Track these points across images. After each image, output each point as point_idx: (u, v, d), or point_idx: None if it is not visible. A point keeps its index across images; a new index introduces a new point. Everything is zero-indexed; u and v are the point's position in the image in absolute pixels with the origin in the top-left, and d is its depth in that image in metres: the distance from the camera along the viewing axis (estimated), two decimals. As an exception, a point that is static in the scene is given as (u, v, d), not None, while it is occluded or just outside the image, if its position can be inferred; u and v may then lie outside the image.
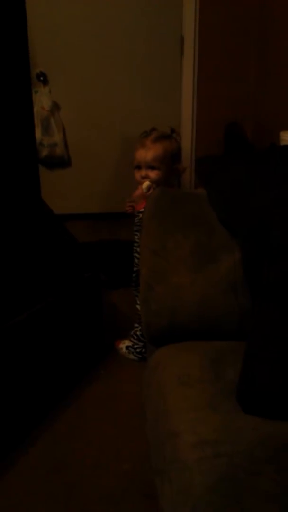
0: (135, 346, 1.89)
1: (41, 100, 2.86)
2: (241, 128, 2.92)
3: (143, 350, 1.86)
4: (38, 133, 2.84)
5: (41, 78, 2.87)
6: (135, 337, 1.90)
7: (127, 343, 1.93)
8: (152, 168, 1.76)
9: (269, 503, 0.71)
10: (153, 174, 1.76)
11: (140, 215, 1.71)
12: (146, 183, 1.75)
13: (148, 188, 1.74)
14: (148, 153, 1.75)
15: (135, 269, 1.82)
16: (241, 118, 2.96)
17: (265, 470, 0.74)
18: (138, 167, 1.79)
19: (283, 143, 1.68)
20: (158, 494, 0.87)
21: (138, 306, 1.83)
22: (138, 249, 1.72)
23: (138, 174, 1.79)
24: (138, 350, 1.88)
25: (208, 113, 2.98)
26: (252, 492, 0.72)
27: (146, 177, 1.77)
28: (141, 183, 1.77)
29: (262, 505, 0.71)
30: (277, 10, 2.62)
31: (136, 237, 1.81)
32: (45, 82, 2.89)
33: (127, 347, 1.92)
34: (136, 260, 1.80)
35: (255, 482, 0.73)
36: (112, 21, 2.86)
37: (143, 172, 1.77)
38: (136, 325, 1.91)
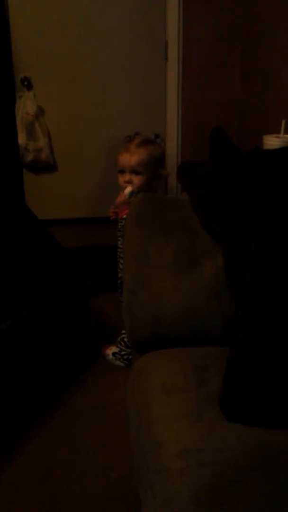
0: (122, 353, 1.88)
1: (26, 105, 2.85)
2: (226, 132, 2.92)
3: (130, 356, 1.84)
4: (22, 138, 2.83)
5: (26, 83, 2.86)
6: (122, 343, 1.88)
7: (113, 349, 1.92)
8: (136, 173, 1.75)
9: (252, 513, 0.70)
10: (136, 179, 1.75)
11: (123, 221, 1.70)
12: (128, 189, 1.74)
13: (131, 193, 1.73)
14: (132, 157, 1.74)
15: (119, 275, 1.81)
16: (226, 122, 2.97)
17: (249, 479, 0.73)
18: (122, 171, 1.78)
19: (265, 147, 1.68)
20: (141, 504, 0.85)
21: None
22: (122, 255, 1.71)
23: (121, 179, 1.78)
24: (125, 356, 1.87)
25: (193, 117, 2.99)
26: (236, 502, 0.72)
27: (129, 182, 1.75)
28: (124, 188, 1.76)
29: (245, 515, 0.70)
30: (262, 14, 2.63)
31: (119, 242, 1.80)
32: (29, 87, 2.88)
33: (113, 354, 1.91)
34: (121, 266, 1.79)
35: (239, 492, 0.72)
36: (96, 26, 2.86)
37: (127, 177, 1.76)
38: (123, 331, 1.90)
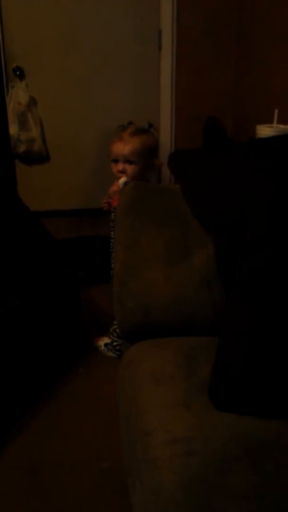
0: (114, 344, 1.87)
1: (18, 95, 2.82)
2: (221, 122, 2.91)
3: (122, 347, 1.84)
4: (15, 129, 2.80)
5: (18, 73, 2.83)
6: (115, 334, 1.88)
7: (106, 340, 1.91)
8: (129, 162, 1.74)
9: (240, 502, 0.70)
10: (130, 168, 1.74)
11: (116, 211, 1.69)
12: (123, 179, 1.73)
13: (125, 184, 1.72)
14: (126, 146, 1.72)
15: (112, 265, 1.80)
16: (220, 112, 2.95)
17: (237, 468, 0.73)
18: (115, 161, 1.77)
19: (259, 136, 1.67)
20: (130, 494, 0.85)
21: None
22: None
23: (115, 168, 1.77)
24: (117, 347, 1.86)
25: (187, 107, 2.97)
26: (223, 491, 0.71)
27: (123, 172, 1.74)
28: (118, 177, 1.75)
29: (233, 504, 0.70)
30: (257, 4, 2.61)
31: (112, 233, 1.79)
32: (21, 76, 2.85)
33: (105, 345, 1.90)
34: (113, 256, 1.78)
35: (226, 481, 0.72)
36: (89, 15, 2.83)
37: (120, 166, 1.75)
38: (116, 322, 1.89)
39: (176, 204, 1.18)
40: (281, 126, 1.68)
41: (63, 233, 2.71)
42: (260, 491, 0.71)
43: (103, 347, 1.91)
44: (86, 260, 2.47)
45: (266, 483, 0.72)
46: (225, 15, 2.86)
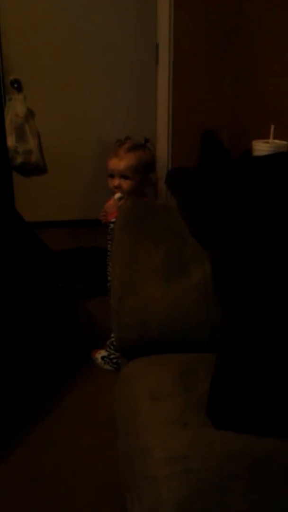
0: (111, 356, 1.88)
1: (15, 107, 2.84)
2: (217, 136, 2.93)
3: (119, 360, 1.84)
4: (12, 141, 2.82)
5: (15, 85, 2.85)
6: (112, 347, 1.88)
7: (102, 353, 1.92)
8: (125, 177, 1.76)
9: (237, 520, 0.70)
10: (125, 184, 1.76)
11: (112, 225, 1.71)
12: (118, 194, 1.75)
13: (120, 198, 1.74)
14: (121, 162, 1.75)
15: (109, 278, 1.81)
16: (217, 126, 2.97)
17: (234, 486, 0.74)
18: (111, 176, 1.79)
19: (255, 152, 1.69)
20: (127, 511, 0.86)
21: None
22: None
23: (111, 183, 1.80)
24: (114, 360, 1.87)
25: (184, 121, 3.00)
26: (221, 509, 0.72)
27: (118, 187, 1.77)
28: (114, 192, 1.77)
29: (230, 522, 0.70)
30: (253, 19, 2.64)
31: (109, 246, 1.80)
32: (19, 89, 2.87)
33: (102, 358, 1.90)
34: (110, 269, 1.79)
35: (224, 499, 0.73)
36: (86, 28, 2.86)
37: (116, 181, 1.77)
38: (113, 334, 1.90)
39: (173, 221, 1.20)
40: (277, 141, 1.70)
41: (60, 244, 2.71)
42: (257, 509, 0.72)
43: (100, 360, 1.91)
44: (84, 272, 2.48)
45: (264, 501, 0.73)
46: (222, 29, 2.89)
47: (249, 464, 0.77)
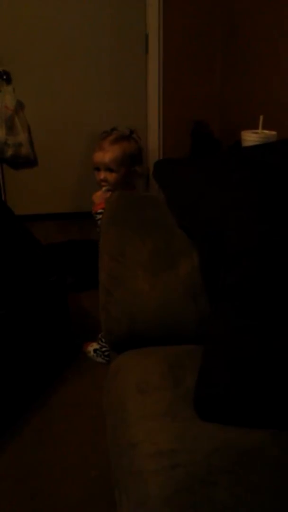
0: (103, 349, 1.87)
1: (5, 99, 2.81)
2: (208, 126, 2.92)
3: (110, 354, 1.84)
4: (2, 133, 2.80)
5: (4, 77, 2.82)
6: (103, 340, 1.88)
7: (95, 346, 1.91)
8: (110, 170, 1.74)
9: (224, 514, 0.70)
10: (111, 176, 1.75)
11: (98, 216, 1.69)
12: (105, 188, 1.75)
13: (108, 190, 1.73)
14: (106, 155, 1.73)
15: (100, 272, 1.80)
16: (207, 116, 2.96)
17: (221, 480, 0.74)
18: (97, 169, 1.78)
19: (244, 143, 1.68)
20: (117, 506, 0.85)
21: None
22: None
23: (97, 176, 1.78)
24: (106, 353, 1.86)
25: (174, 111, 2.98)
26: (208, 503, 0.72)
27: (105, 180, 1.75)
28: (102, 186, 1.76)
29: (217, 516, 0.70)
30: (243, 9, 2.62)
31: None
32: (8, 81, 2.84)
33: (94, 350, 1.90)
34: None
35: (211, 493, 0.72)
36: (75, 19, 2.83)
37: (102, 175, 1.76)
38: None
39: (161, 213, 1.18)
40: (266, 131, 1.69)
41: (51, 237, 2.70)
42: (243, 503, 0.71)
43: (92, 353, 1.91)
44: (75, 265, 2.47)
45: (250, 495, 0.72)
46: (211, 20, 2.87)
47: (235, 457, 0.77)
